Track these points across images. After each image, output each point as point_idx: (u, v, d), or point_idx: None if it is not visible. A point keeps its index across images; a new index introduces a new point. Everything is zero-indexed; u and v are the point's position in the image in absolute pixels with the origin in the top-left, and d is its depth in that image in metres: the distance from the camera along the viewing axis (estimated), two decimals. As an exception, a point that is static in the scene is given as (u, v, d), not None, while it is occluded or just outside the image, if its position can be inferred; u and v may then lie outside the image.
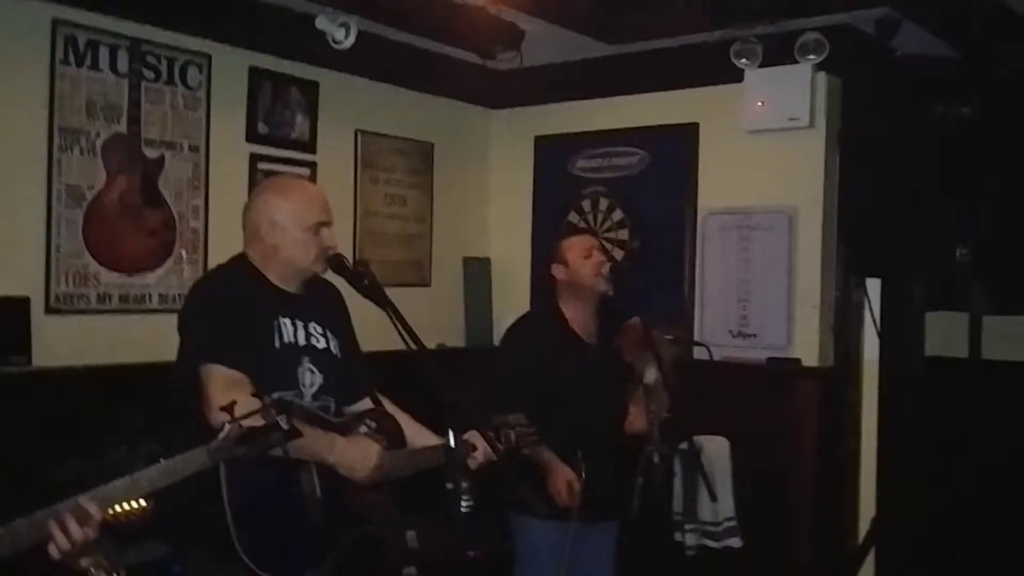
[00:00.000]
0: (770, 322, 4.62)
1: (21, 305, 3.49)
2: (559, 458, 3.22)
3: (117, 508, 1.95)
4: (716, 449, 4.24)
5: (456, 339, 5.29)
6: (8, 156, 3.47)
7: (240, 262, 2.60)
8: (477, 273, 5.51)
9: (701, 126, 4.85)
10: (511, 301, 5.39)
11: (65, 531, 1.84)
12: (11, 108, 3.48)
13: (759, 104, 4.51)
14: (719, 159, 4.81)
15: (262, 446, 2.02)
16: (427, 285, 5.19)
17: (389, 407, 2.77)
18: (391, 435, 2.67)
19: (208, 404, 2.31)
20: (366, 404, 2.74)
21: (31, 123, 3.55)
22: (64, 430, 3.37)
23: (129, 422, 3.51)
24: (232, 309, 2.47)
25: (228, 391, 2.27)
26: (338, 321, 2.72)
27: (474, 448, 2.63)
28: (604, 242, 3.78)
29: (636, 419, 3.33)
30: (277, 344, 2.52)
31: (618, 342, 3.35)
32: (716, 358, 4.63)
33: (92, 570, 1.99)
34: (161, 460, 2.16)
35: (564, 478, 3.23)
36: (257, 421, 2.02)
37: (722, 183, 4.80)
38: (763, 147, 4.61)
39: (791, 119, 4.46)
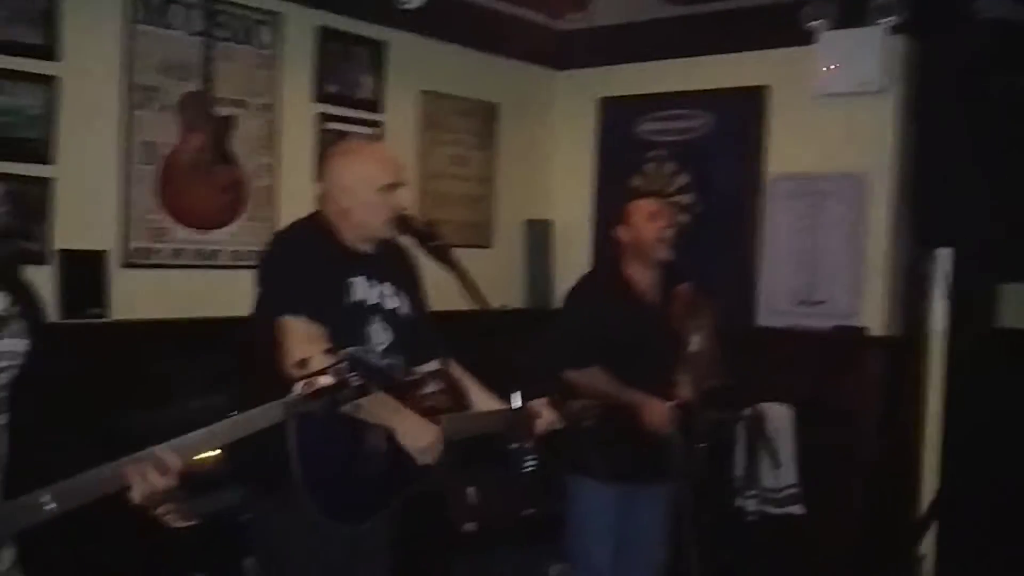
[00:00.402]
0: (836, 290, 4.57)
1: (98, 259, 3.59)
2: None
3: (193, 458, 2.00)
4: (779, 416, 4.22)
5: (516, 301, 5.33)
6: (86, 114, 3.55)
7: (318, 219, 2.66)
8: (538, 235, 5.52)
9: (770, 89, 4.77)
10: (572, 264, 5.38)
11: (145, 479, 1.90)
12: (88, 66, 3.54)
13: (830, 67, 4.41)
14: (788, 123, 4.73)
15: (335, 403, 2.07)
16: (488, 247, 5.22)
17: (456, 369, 2.81)
18: (456, 397, 2.71)
19: (286, 355, 2.36)
20: (434, 365, 2.79)
21: (108, 81, 3.62)
22: (139, 381, 3.48)
23: (201, 374, 3.61)
24: (308, 263, 2.53)
25: (304, 344, 2.33)
26: (410, 283, 2.76)
27: (539, 415, 2.66)
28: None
29: (682, 386, 3.34)
30: (347, 302, 2.57)
31: (670, 309, 3.35)
32: (780, 325, 4.59)
33: (167, 517, 2.05)
34: (235, 412, 2.23)
35: (657, 409, 3.24)
36: (328, 378, 2.07)
37: (790, 147, 4.72)
38: (833, 111, 4.52)
39: (863, 83, 4.37)
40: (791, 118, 4.71)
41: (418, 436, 2.51)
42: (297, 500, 2.43)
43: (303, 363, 2.06)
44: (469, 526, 4.12)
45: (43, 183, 3.43)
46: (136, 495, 1.91)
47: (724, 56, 4.85)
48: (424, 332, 2.78)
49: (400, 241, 2.71)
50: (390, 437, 2.53)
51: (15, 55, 3.33)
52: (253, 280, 2.63)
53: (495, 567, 4.21)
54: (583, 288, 3.53)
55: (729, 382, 3.33)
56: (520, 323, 4.72)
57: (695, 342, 3.22)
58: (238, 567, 3.64)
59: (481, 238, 5.18)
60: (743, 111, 4.82)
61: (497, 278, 5.14)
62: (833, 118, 4.54)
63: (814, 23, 4.36)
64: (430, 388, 2.64)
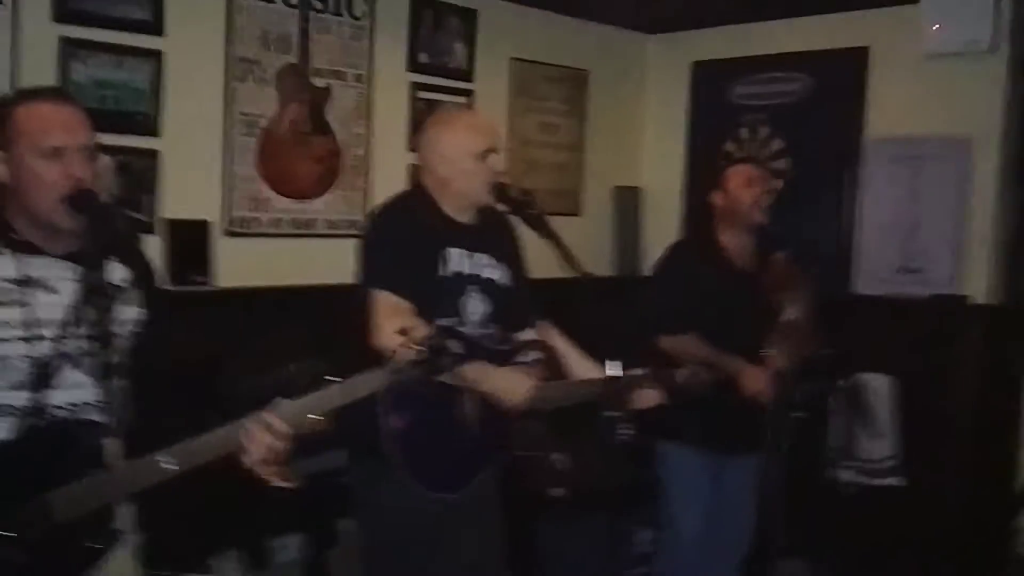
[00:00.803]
0: (937, 257, 4.43)
1: (202, 228, 3.70)
2: None
3: (300, 422, 2.07)
4: (877, 386, 4.14)
5: (605, 269, 5.31)
6: (190, 87, 3.64)
7: (417, 191, 2.69)
8: (628, 202, 5.48)
9: (871, 50, 4.62)
10: (661, 231, 5.34)
11: (258, 442, 1.97)
12: (191, 40, 3.63)
13: (936, 27, 4.25)
14: (889, 85, 4.58)
15: (434, 370, 2.11)
16: (577, 214, 5.20)
17: (556, 337, 2.83)
18: (552, 366, 2.74)
19: (373, 327, 2.42)
20: (531, 335, 2.81)
21: (210, 54, 3.71)
22: (241, 346, 3.59)
23: (300, 340, 3.71)
24: (401, 237, 2.57)
25: (391, 317, 2.40)
26: (510, 252, 2.78)
27: (639, 388, 2.66)
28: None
29: (775, 356, 3.29)
30: (442, 273, 2.60)
31: (764, 277, 3.31)
32: (878, 293, 4.48)
33: (271, 478, 2.13)
34: (335, 378, 2.29)
35: (757, 375, 3.22)
36: (425, 348, 2.10)
37: (892, 111, 4.57)
38: (938, 72, 4.36)
39: (970, 43, 4.19)
40: (893, 80, 4.56)
41: (508, 387, 2.54)
42: (391, 464, 2.50)
43: (404, 332, 2.11)
44: (556, 492, 4.16)
45: (150, 155, 3.54)
46: (249, 457, 1.98)
47: (823, 16, 4.70)
48: (522, 301, 2.80)
49: (499, 210, 2.72)
50: (483, 404, 2.58)
51: (123, 30, 3.43)
52: (352, 249, 2.68)
53: (583, 533, 4.24)
54: (677, 254, 3.51)
55: (824, 352, 3.28)
56: (609, 291, 4.75)
57: (790, 312, 3.19)
58: (334, 528, 3.77)
59: (570, 206, 5.17)
60: (842, 73, 4.69)
61: (586, 246, 5.09)
62: (937, 80, 4.38)
63: (920, -20, 4.20)
64: (526, 357, 2.66)
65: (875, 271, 4.59)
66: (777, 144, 4.93)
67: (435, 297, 2.56)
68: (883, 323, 4.28)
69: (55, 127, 1.88)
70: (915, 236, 4.52)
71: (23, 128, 1.87)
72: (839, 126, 4.71)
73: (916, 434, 4.21)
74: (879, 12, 4.54)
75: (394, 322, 2.38)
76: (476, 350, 2.53)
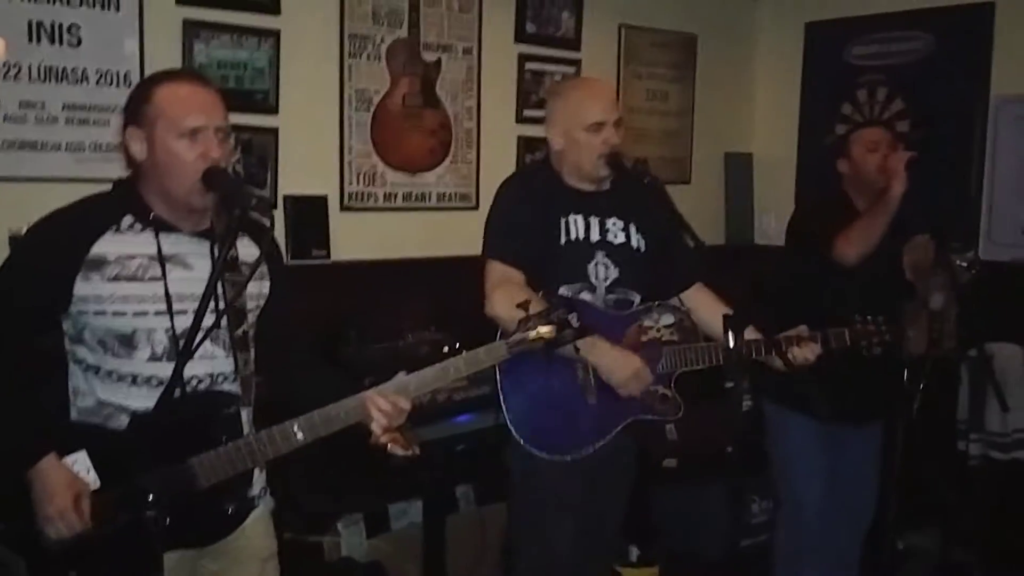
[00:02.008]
0: (1070, 220, 4.23)
1: (320, 203, 3.79)
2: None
3: (423, 392, 2.11)
4: (1008, 356, 3.96)
5: (716, 237, 5.24)
6: (308, 64, 3.72)
7: (541, 164, 2.72)
8: (739, 169, 5.38)
9: (997, 5, 4.40)
10: (774, 198, 5.24)
11: (384, 412, 2.03)
12: (306, 19, 3.70)
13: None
14: (1017, 41, 4.36)
15: (556, 343, 2.13)
16: (687, 182, 5.13)
17: (707, 300, 2.79)
18: (684, 330, 2.72)
19: (485, 296, 2.50)
20: (696, 292, 2.80)
21: (325, 31, 3.77)
22: (359, 318, 3.68)
23: (417, 312, 3.78)
24: (519, 209, 2.60)
25: (500, 285, 2.48)
26: (648, 215, 2.73)
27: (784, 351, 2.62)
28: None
29: (916, 343, 3.18)
30: (563, 241, 2.61)
31: (904, 259, 3.18)
32: (1006, 259, 4.30)
33: (391, 446, 2.18)
34: (452, 349, 2.33)
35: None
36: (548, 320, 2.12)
37: (1020, 68, 4.36)
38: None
39: (1108, -8, 3.97)
40: (1020, 36, 4.34)
41: (615, 369, 2.55)
42: (505, 432, 2.56)
43: (523, 306, 2.13)
44: (669, 462, 4.15)
45: (270, 133, 3.64)
46: (376, 427, 2.04)
47: (944, -28, 4.52)
48: (675, 263, 2.79)
49: (638, 175, 2.63)
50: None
51: (242, 10, 3.52)
52: (475, 227, 2.72)
53: (702, 500, 4.23)
54: (809, 213, 3.41)
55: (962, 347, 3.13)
56: (718, 260, 4.68)
57: (936, 300, 3.06)
58: (452, 494, 3.84)
59: (680, 173, 5.11)
60: (966, 30, 4.48)
61: (696, 213, 5.00)
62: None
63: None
64: (655, 322, 2.65)
65: (1003, 236, 4.40)
66: (897, 106, 4.75)
67: (558, 264, 2.59)
68: (1013, 290, 4.10)
69: (194, 108, 1.93)
70: (1047, 199, 4.31)
71: (162, 109, 1.93)
72: (964, 85, 4.51)
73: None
74: (1005, -35, 4.33)
75: (505, 291, 2.43)
76: (598, 318, 2.54)
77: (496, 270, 2.54)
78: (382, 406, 2.02)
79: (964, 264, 3.14)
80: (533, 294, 2.46)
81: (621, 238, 2.69)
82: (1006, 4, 4.39)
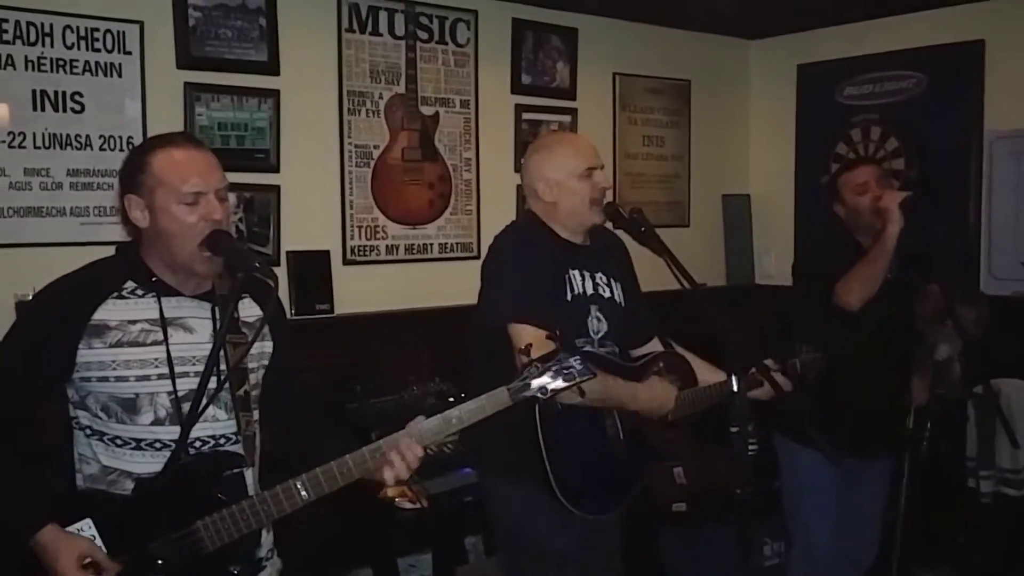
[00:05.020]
0: (1069, 252, 4.24)
1: (323, 258, 3.82)
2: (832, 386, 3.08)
3: (429, 443, 2.10)
4: (1016, 392, 3.95)
5: (717, 278, 5.26)
6: (308, 122, 3.78)
7: (532, 219, 2.72)
8: (737, 210, 5.41)
9: (987, 42, 4.46)
10: (772, 238, 5.28)
11: (391, 466, 2.02)
12: (305, 78, 3.77)
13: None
14: (1008, 77, 4.41)
15: (560, 386, 2.12)
16: (686, 225, 5.17)
17: (677, 347, 2.83)
18: (683, 375, 2.74)
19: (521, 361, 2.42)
20: (654, 346, 2.81)
21: (324, 89, 3.84)
22: (365, 371, 3.69)
23: (420, 362, 3.79)
24: (533, 266, 2.58)
25: (539, 348, 2.40)
26: (622, 269, 2.80)
27: (760, 384, 2.63)
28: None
29: (918, 391, 3.17)
30: (569, 296, 2.62)
31: (916, 310, 3.16)
32: (1007, 293, 4.30)
33: (398, 500, 2.16)
34: (456, 398, 2.31)
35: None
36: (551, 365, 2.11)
37: (1012, 103, 4.40)
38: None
39: (1095, 27, 4.02)
40: (1012, 72, 4.40)
41: (656, 403, 2.58)
42: (544, 488, 2.50)
43: (525, 350, 2.13)
44: (679, 506, 4.12)
45: (272, 190, 3.69)
46: (388, 475, 2.03)
47: (933, 11, 4.58)
48: (639, 316, 2.81)
49: (607, 227, 2.73)
50: (626, 426, 2.59)
51: (243, 72, 3.58)
52: (476, 276, 2.69)
53: (711, 544, 4.19)
54: (817, 250, 3.42)
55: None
56: (723, 301, 4.69)
57: (941, 351, 3.05)
58: (461, 545, 3.82)
59: (678, 217, 5.15)
60: (957, 68, 4.54)
61: (695, 256, 5.06)
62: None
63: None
64: (655, 370, 2.67)
65: (1003, 270, 4.41)
66: (892, 144, 4.80)
67: (564, 319, 2.57)
68: (1016, 324, 4.10)
69: (192, 173, 1.95)
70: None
71: (160, 177, 1.94)
72: (957, 122, 4.55)
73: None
74: (993, 4, 4.40)
75: (540, 351, 2.40)
76: (610, 370, 2.54)
77: (527, 333, 2.43)
78: (386, 459, 2.01)
79: (972, 316, 3.13)
80: (553, 343, 2.44)
81: (607, 292, 2.71)
82: (996, 41, 4.44)
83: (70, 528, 1.89)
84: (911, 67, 4.70)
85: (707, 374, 2.79)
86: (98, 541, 1.90)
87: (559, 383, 2.08)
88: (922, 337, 3.13)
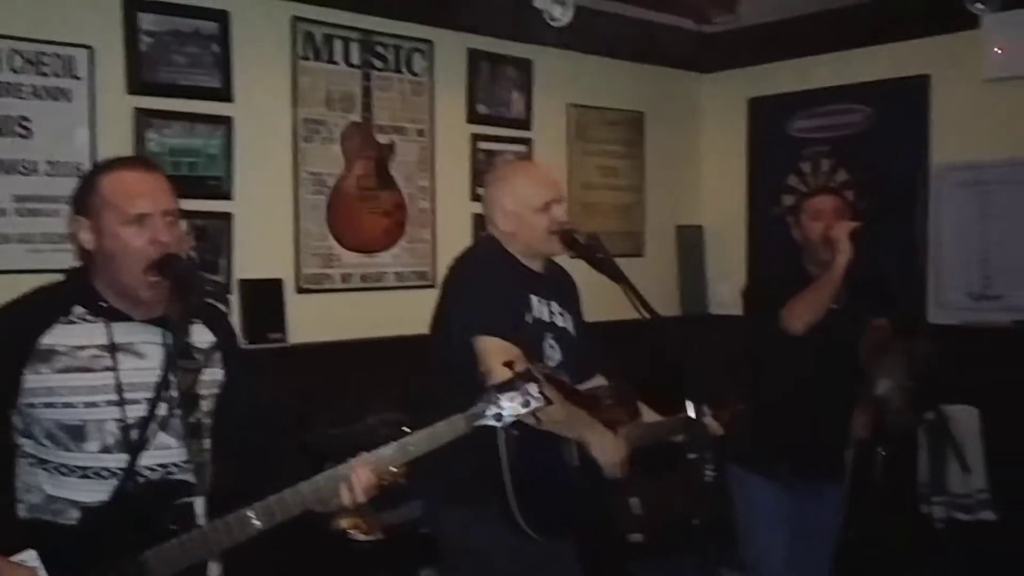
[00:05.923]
0: (1015, 283, 4.33)
1: (276, 287, 3.78)
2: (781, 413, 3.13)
3: (384, 472, 2.06)
4: (965, 418, 4.01)
5: (671, 308, 5.29)
6: (261, 149, 3.75)
7: (492, 242, 2.71)
8: (690, 240, 5.47)
9: (932, 77, 4.58)
10: (726, 268, 5.32)
11: (340, 495, 1.98)
12: (259, 105, 3.75)
13: (998, 51, 4.20)
14: (953, 111, 4.53)
15: (519, 414, 2.10)
16: (640, 255, 5.20)
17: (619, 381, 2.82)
18: (630, 409, 2.73)
19: (486, 372, 2.36)
20: (598, 381, 2.80)
21: (277, 116, 3.82)
22: (319, 401, 3.63)
23: (375, 391, 3.75)
24: (496, 284, 2.57)
25: (502, 358, 2.37)
26: (572, 302, 2.80)
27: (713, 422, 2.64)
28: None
29: (857, 425, 3.22)
30: (529, 319, 2.61)
31: (860, 343, 3.20)
32: (955, 322, 4.38)
33: (350, 531, 2.11)
34: (409, 427, 2.28)
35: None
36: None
37: (958, 137, 4.52)
38: (1003, 96, 4.31)
39: (1033, 64, 4.14)
40: (957, 106, 4.52)
41: (610, 451, 2.56)
42: (504, 513, 2.47)
43: (486, 374, 2.11)
44: (635, 537, 4.10)
45: (224, 218, 3.64)
46: (346, 498, 1.99)
47: (880, 47, 4.70)
48: (588, 348, 2.80)
49: (556, 259, 2.73)
50: (583, 453, 2.58)
51: (196, 99, 3.55)
52: (432, 305, 2.67)
53: (670, 574, 4.18)
54: (767, 285, 3.44)
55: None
56: (677, 330, 4.71)
57: (882, 385, 3.08)
58: (416, 577, 3.76)
59: (633, 247, 5.18)
60: (904, 102, 4.65)
61: (650, 285, 5.02)
62: (1003, 103, 4.33)
63: (978, 6, 4.16)
64: (607, 401, 2.66)
65: (949, 300, 4.50)
66: (841, 176, 4.89)
67: (524, 343, 2.56)
68: (963, 352, 4.17)
69: (140, 194, 1.92)
70: (989, 262, 4.42)
71: (107, 198, 1.91)
72: (905, 154, 4.66)
73: (1008, 467, 4.07)
74: (938, 39, 4.52)
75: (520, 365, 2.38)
76: (571, 397, 2.52)
77: (493, 345, 2.43)
78: (340, 488, 1.98)
79: (918, 352, 3.17)
80: (523, 366, 2.42)
81: (561, 322, 2.71)
82: (940, 76, 4.56)
83: (11, 560, 1.83)
84: (859, 101, 4.81)
85: (647, 409, 2.79)
86: (42, 573, 1.83)
87: (517, 409, 2.06)
88: (863, 372, 3.17)
